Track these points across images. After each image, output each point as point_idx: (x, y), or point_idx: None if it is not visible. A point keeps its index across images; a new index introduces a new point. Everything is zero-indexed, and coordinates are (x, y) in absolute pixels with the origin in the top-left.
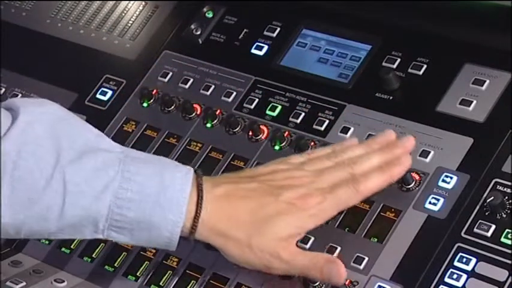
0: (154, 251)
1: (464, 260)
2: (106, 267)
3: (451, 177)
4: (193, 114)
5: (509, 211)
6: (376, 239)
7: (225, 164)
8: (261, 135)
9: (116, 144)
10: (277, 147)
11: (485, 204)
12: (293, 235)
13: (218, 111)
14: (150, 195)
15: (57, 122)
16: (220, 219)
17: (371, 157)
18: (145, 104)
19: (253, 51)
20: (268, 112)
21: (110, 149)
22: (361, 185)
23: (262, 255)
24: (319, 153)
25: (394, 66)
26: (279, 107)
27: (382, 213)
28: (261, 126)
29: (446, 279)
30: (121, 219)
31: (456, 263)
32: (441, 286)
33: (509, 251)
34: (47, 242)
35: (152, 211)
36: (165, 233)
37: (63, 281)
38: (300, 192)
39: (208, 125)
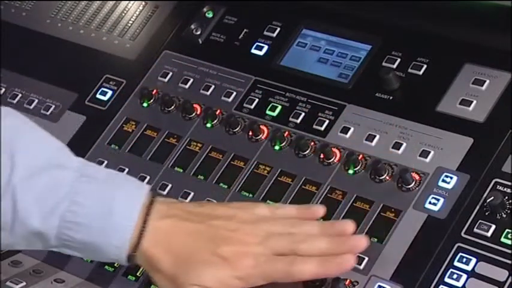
0: None
1: (464, 260)
2: (106, 267)
3: (451, 177)
4: (193, 114)
5: (509, 211)
6: (376, 239)
7: (225, 164)
8: (261, 135)
9: (75, 158)
10: (277, 147)
11: (485, 204)
12: (215, 287)
13: (218, 111)
14: (97, 220)
15: (15, 135)
16: (156, 252)
17: (319, 241)
18: (145, 104)
19: (253, 51)
20: (268, 112)
21: (67, 165)
22: (295, 268)
23: None
24: (283, 211)
25: (394, 66)
26: (279, 107)
27: (382, 213)
28: (261, 126)
29: (446, 279)
30: (69, 239)
31: (456, 263)
32: (441, 286)
33: (509, 251)
34: None
35: (97, 236)
36: (110, 256)
37: (63, 281)
38: (239, 250)
39: (208, 125)
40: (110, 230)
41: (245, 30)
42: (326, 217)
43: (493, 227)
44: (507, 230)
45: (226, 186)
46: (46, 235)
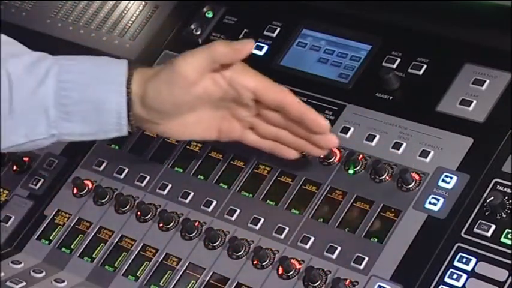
0: (154, 251)
1: (464, 260)
2: (106, 267)
3: (451, 177)
4: None
5: (509, 211)
6: (376, 239)
7: (225, 164)
8: None
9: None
10: None
11: (485, 204)
12: None
13: None
14: (90, 74)
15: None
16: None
17: None
18: None
19: (253, 51)
20: None
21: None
22: None
23: None
24: None
25: (394, 66)
26: None
27: (382, 213)
28: None
29: (446, 279)
30: (67, 101)
31: (456, 263)
32: (441, 286)
33: (509, 251)
34: (47, 242)
35: (94, 88)
36: (112, 107)
37: (63, 281)
38: None
39: None
40: (105, 80)
41: (245, 30)
42: (326, 217)
43: (493, 227)
44: (507, 230)
45: (226, 186)
46: (44, 102)
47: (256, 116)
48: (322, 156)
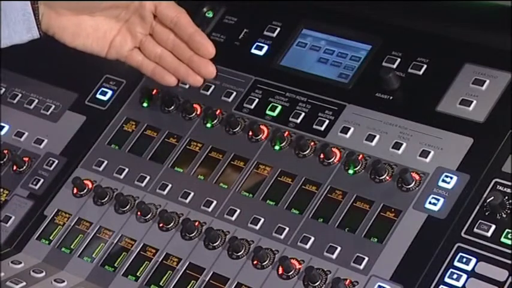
0: (154, 251)
1: (464, 260)
2: (106, 267)
3: (451, 177)
4: (193, 114)
5: (509, 211)
6: (376, 239)
7: (225, 164)
8: (261, 135)
9: None
10: (277, 147)
11: (485, 204)
12: None
13: (218, 111)
14: None
15: None
16: None
17: None
18: (145, 104)
19: (253, 51)
20: (268, 112)
21: None
22: None
23: None
24: None
25: (394, 66)
26: (279, 107)
27: (382, 213)
28: (261, 126)
29: (446, 279)
30: None
31: (456, 263)
32: (441, 286)
33: (509, 251)
34: (47, 242)
35: None
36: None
37: (63, 281)
38: None
39: (208, 125)
40: None
41: (245, 30)
42: (326, 217)
43: (493, 227)
44: (507, 230)
45: (226, 186)
46: None
47: (148, 36)
48: (200, 84)
